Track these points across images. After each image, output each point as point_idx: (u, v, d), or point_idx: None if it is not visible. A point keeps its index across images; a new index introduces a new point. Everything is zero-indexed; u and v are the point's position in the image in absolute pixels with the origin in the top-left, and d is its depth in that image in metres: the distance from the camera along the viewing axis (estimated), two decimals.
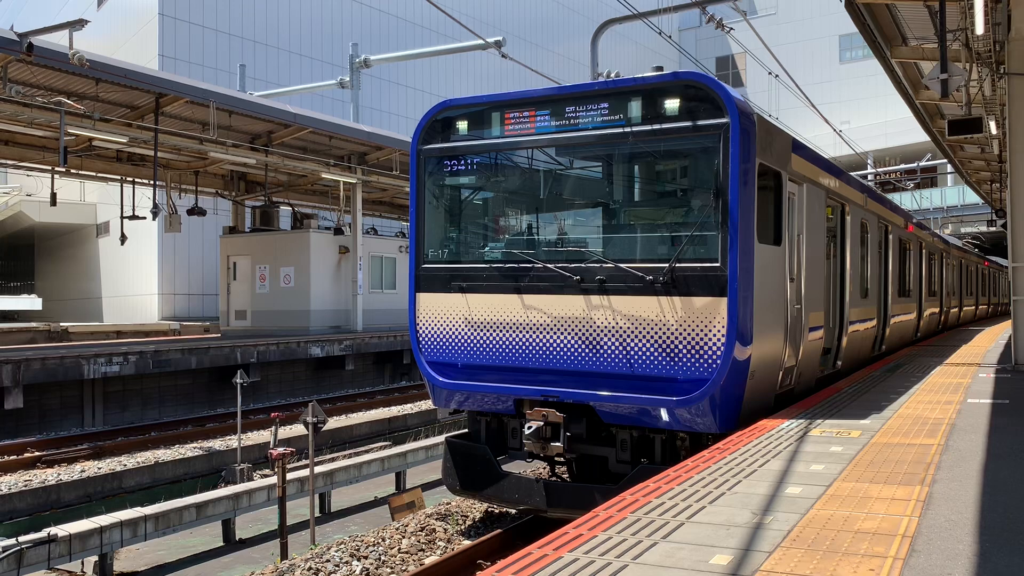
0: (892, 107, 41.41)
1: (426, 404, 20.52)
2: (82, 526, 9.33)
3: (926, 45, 15.20)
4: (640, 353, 7.84)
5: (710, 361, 7.53)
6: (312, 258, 26.80)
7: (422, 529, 9.70)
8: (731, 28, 16.99)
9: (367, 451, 15.14)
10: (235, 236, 28.33)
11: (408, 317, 9.42)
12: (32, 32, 15.35)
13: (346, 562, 8.55)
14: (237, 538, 10.93)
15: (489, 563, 8.35)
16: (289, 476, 10.79)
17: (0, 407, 16.16)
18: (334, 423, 17.77)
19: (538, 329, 8.41)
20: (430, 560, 8.66)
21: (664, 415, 7.76)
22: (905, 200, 45.02)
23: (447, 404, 9.21)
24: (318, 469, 11.77)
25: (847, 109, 55.51)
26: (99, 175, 24.76)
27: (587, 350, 8.12)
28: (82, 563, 9.60)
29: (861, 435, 6.91)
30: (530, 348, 8.46)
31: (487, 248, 9.24)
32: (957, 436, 6.79)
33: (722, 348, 7.48)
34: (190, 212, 24.64)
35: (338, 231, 27.73)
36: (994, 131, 18.04)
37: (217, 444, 15.76)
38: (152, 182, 20.89)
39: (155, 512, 10.04)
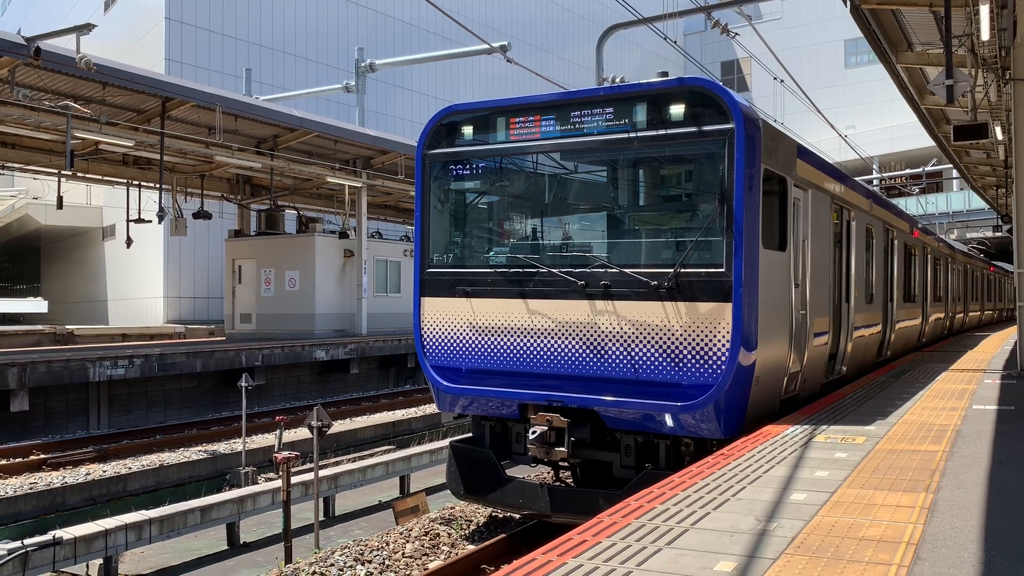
0: (897, 112, 41.35)
1: (430, 408, 20.51)
2: (87, 529, 9.37)
3: (931, 50, 15.19)
4: (645, 358, 7.83)
5: (715, 367, 7.53)
6: (317, 262, 26.83)
7: (426, 533, 9.71)
8: (736, 33, 16.99)
9: (371, 455, 15.14)
10: (240, 240, 28.39)
11: (413, 321, 9.43)
12: (39, 36, 15.41)
13: (350, 566, 8.55)
14: (241, 542, 10.95)
15: (493, 568, 8.35)
16: (293, 480, 10.79)
17: (6, 410, 16.20)
18: (338, 427, 17.76)
19: (543, 334, 8.41)
20: (434, 565, 8.66)
21: (669, 420, 7.76)
22: (910, 205, 44.96)
23: (451, 408, 9.21)
24: (322, 473, 11.77)
25: (852, 114, 55.41)
26: (105, 178, 24.85)
27: (592, 355, 8.12)
28: (87, 566, 9.62)
29: (866, 441, 6.89)
30: (535, 353, 8.45)
31: (492, 253, 9.25)
32: (962, 443, 6.77)
33: (727, 354, 7.47)
34: (196, 215, 24.74)
35: (343, 235, 27.78)
36: (1000, 136, 18.00)
37: (222, 447, 15.78)
38: (158, 185, 20.96)
39: (160, 515, 10.06)
